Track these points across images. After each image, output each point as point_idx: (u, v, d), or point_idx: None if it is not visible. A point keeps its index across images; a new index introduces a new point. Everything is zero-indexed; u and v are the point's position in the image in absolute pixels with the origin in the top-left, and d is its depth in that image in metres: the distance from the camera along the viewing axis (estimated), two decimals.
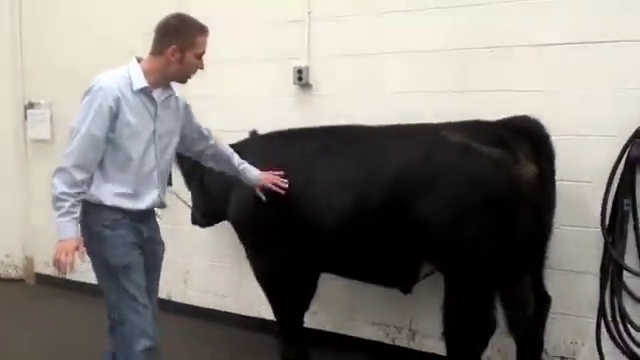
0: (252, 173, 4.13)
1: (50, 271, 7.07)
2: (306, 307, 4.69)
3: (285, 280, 4.46)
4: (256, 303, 5.39)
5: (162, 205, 3.68)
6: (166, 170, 3.68)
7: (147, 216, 3.61)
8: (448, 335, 3.91)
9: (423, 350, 4.83)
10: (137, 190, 3.47)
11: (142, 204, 3.50)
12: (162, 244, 3.79)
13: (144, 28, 5.93)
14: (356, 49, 4.88)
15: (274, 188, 4.11)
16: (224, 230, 5.41)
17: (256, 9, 5.23)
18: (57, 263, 3.31)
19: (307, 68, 5.05)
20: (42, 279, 7.23)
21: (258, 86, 5.29)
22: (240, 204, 4.45)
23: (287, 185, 4.11)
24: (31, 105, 7.04)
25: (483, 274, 3.72)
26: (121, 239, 3.45)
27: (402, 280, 4.13)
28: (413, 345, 4.89)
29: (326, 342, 5.02)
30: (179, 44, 3.42)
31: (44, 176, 6.85)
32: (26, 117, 7.09)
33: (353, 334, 5.09)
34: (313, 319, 4.85)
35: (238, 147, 4.33)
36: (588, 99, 4.04)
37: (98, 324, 5.79)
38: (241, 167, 4.11)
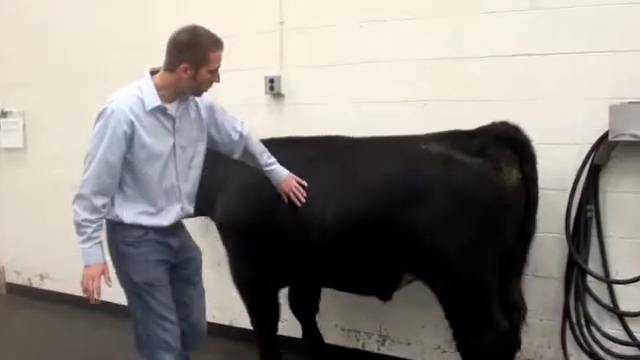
0: (277, 176, 3.98)
1: (21, 280, 7.14)
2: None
3: (263, 288, 4.47)
4: (230, 311, 5.43)
5: (188, 216, 3.68)
6: (194, 181, 3.66)
7: (174, 228, 3.60)
8: (460, 348, 3.93)
9: (392, 355, 4.90)
10: (159, 207, 3.48)
11: (165, 221, 3.51)
12: (196, 249, 3.81)
13: (118, 39, 6.05)
14: (327, 59, 4.94)
15: (292, 197, 3.98)
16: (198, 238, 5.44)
17: (228, 20, 5.22)
18: (85, 290, 3.40)
19: (279, 77, 5.09)
20: (13, 289, 7.23)
21: (230, 95, 5.27)
22: (226, 208, 4.43)
23: (304, 199, 3.99)
24: (4, 114, 7.05)
25: (473, 283, 3.77)
26: (143, 256, 3.47)
27: (383, 289, 4.15)
28: (383, 350, 4.94)
29: (297, 349, 5.02)
30: (191, 62, 3.33)
31: (17, 185, 6.95)
32: None
33: (324, 340, 5.09)
34: (284, 326, 4.87)
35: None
36: (553, 109, 4.13)
37: (67, 332, 5.92)
38: (267, 168, 3.99)
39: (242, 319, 5.05)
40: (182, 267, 3.63)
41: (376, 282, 4.10)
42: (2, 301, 7.14)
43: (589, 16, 4.01)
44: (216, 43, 3.41)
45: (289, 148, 4.36)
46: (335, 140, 4.30)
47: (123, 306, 3.76)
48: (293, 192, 3.98)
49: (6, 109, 7.03)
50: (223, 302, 5.36)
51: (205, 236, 5.03)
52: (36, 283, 7.03)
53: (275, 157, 4.09)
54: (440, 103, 4.49)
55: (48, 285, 6.90)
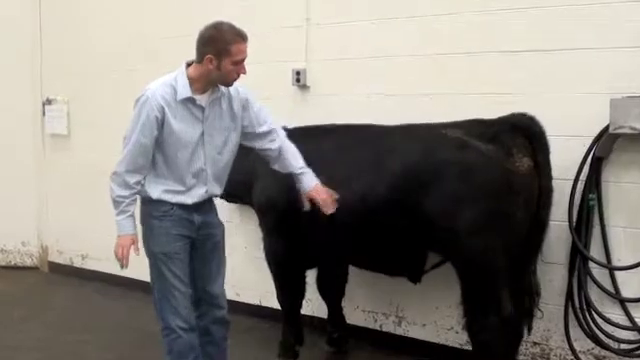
0: (309, 181, 4.04)
1: (63, 260, 7.47)
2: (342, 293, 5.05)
3: (294, 267, 4.73)
4: (259, 291, 5.70)
5: (213, 197, 3.95)
6: (225, 165, 3.89)
7: (200, 206, 3.86)
8: (466, 328, 4.11)
9: (408, 336, 5.11)
10: (188, 186, 3.77)
11: (189, 199, 3.79)
12: (220, 226, 4.03)
13: (160, 29, 6.31)
14: (351, 53, 5.19)
15: (321, 205, 4.02)
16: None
17: (258, 16, 5.52)
18: (117, 257, 3.77)
19: (304, 70, 5.37)
20: (55, 267, 7.55)
21: (259, 86, 5.46)
22: (263, 190, 4.68)
23: (334, 209, 4.04)
24: (49, 102, 7.35)
25: (484, 265, 3.94)
26: (165, 230, 3.77)
27: (410, 270, 4.36)
28: (399, 331, 5.16)
29: (319, 327, 5.27)
30: (214, 53, 3.60)
31: (60, 169, 7.29)
32: (44, 113, 7.40)
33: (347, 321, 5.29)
34: (307, 306, 5.11)
35: None
36: (559, 102, 4.30)
37: (106, 309, 6.17)
38: (300, 171, 4.05)
39: (270, 299, 5.32)
40: (203, 242, 3.90)
41: (403, 262, 4.31)
42: (45, 279, 7.46)
43: (590, 14, 4.19)
44: (237, 36, 3.66)
45: (324, 135, 4.60)
46: (368, 128, 4.54)
47: None
48: (324, 199, 4.01)
49: (51, 97, 7.33)
50: (251, 283, 5.67)
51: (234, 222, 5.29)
52: (77, 262, 7.35)
53: (313, 143, 4.34)
54: (448, 96, 4.72)
55: (89, 264, 7.22)
